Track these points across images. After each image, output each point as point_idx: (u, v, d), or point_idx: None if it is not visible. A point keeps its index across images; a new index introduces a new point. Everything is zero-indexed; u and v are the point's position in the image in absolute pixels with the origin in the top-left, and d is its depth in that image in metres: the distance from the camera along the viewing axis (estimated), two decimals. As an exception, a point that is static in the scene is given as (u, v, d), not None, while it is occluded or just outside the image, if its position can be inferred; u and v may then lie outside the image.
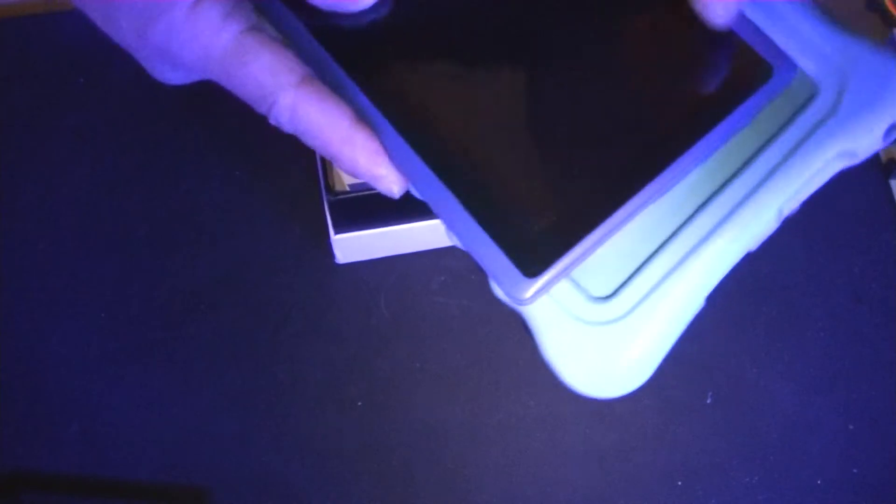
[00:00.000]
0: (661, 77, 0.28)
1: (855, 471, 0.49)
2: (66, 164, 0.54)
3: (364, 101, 0.29)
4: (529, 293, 0.27)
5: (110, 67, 0.57)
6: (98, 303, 0.51)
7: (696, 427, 0.49)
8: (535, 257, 0.27)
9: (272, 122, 0.31)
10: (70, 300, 0.51)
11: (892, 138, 0.29)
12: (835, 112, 0.29)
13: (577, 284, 0.29)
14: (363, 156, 0.30)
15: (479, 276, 0.52)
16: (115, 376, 0.49)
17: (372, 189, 0.45)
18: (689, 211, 0.30)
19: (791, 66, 0.29)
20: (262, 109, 0.31)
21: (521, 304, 0.28)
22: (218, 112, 0.55)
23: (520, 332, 0.51)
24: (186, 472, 0.47)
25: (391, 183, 0.30)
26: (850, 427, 0.50)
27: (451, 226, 0.27)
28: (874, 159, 0.56)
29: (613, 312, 0.28)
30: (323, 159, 0.47)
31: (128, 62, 0.57)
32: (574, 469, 0.48)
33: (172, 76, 0.32)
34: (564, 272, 0.27)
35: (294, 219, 0.53)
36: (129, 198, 0.54)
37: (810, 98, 0.30)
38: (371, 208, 0.47)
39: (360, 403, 0.49)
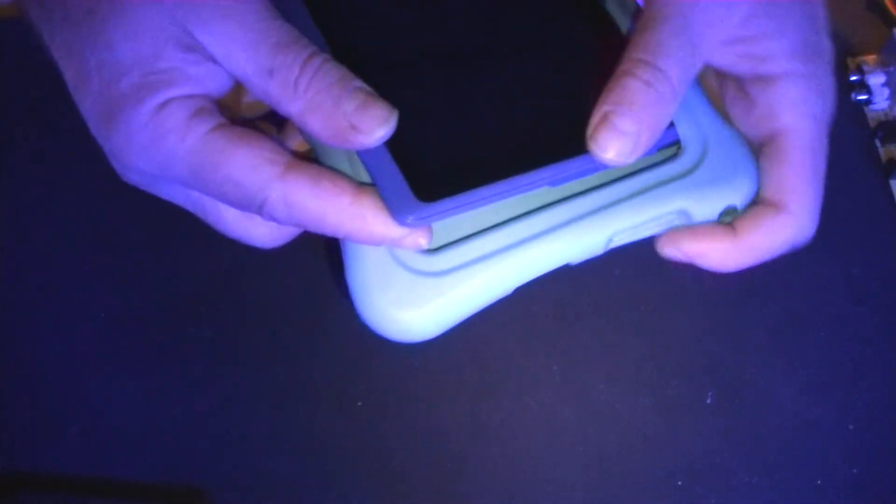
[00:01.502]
0: (570, 88, 0.31)
1: (855, 471, 0.49)
2: (66, 164, 0.54)
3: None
4: (413, 216, 0.29)
5: (110, 67, 0.57)
6: (98, 303, 0.51)
7: (696, 427, 0.49)
8: (430, 189, 0.29)
9: (266, 219, 0.28)
10: (70, 300, 0.51)
11: (725, 220, 0.33)
12: (688, 175, 0.32)
13: None
14: (378, 226, 0.28)
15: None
16: (115, 376, 0.49)
17: None
18: (533, 206, 0.32)
19: (673, 133, 0.32)
20: (252, 210, 0.28)
21: (403, 224, 0.29)
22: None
23: (520, 332, 0.51)
24: (186, 472, 0.47)
25: (415, 239, 0.29)
26: (850, 427, 0.50)
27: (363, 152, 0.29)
28: (874, 159, 0.56)
29: (431, 266, 0.30)
30: None
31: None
32: (574, 469, 0.48)
33: (132, 179, 0.30)
34: (448, 211, 0.29)
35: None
36: (129, 198, 0.53)
37: (674, 155, 0.33)
38: None
39: (360, 403, 0.49)
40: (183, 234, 0.53)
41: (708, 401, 0.50)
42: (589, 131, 0.28)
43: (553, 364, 0.50)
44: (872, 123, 0.57)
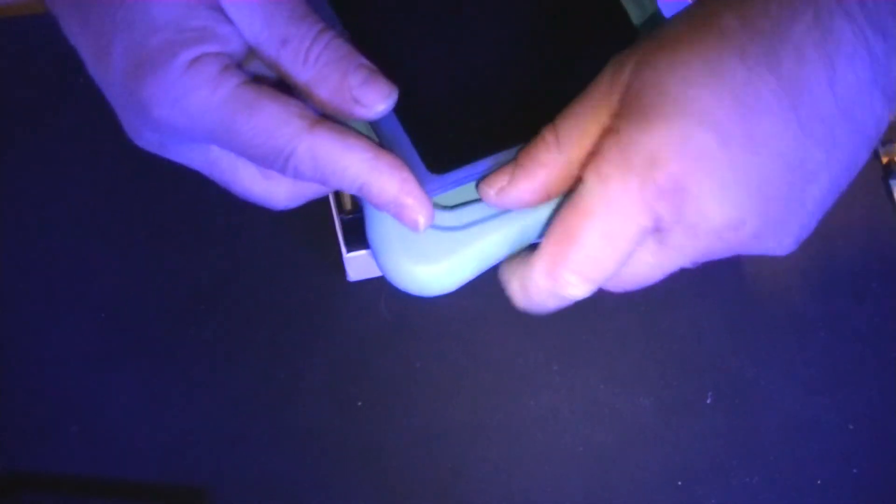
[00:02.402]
0: (573, 69, 0.32)
1: (855, 471, 0.49)
2: (66, 164, 0.54)
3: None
4: (426, 187, 0.31)
5: (110, 67, 0.57)
6: (98, 303, 0.51)
7: (696, 427, 0.49)
8: (440, 162, 0.31)
9: (289, 174, 0.29)
10: (70, 300, 0.51)
11: None
12: None
13: None
14: (393, 184, 0.30)
15: (478, 276, 0.52)
16: (115, 376, 0.49)
17: None
18: None
19: None
20: (276, 165, 0.29)
21: None
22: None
23: (520, 332, 0.51)
24: (186, 472, 0.47)
25: (417, 213, 0.30)
26: (850, 427, 0.50)
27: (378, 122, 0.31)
28: (874, 160, 0.56)
29: (449, 221, 0.32)
30: None
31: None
32: (574, 469, 0.48)
33: (149, 139, 0.30)
34: (456, 181, 0.32)
35: (294, 219, 0.53)
36: (129, 198, 0.54)
37: None
38: None
39: (360, 403, 0.49)
40: (183, 234, 0.53)
41: (708, 401, 0.50)
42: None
43: (553, 364, 0.50)
44: (872, 123, 0.57)
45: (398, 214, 0.31)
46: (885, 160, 0.56)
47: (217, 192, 0.54)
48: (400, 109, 0.30)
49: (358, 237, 0.48)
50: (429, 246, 0.32)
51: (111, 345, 0.50)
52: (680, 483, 0.48)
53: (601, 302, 0.52)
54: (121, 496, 0.47)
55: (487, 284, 0.52)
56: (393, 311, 0.51)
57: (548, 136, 0.30)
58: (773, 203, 0.28)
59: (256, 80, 0.29)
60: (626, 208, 0.28)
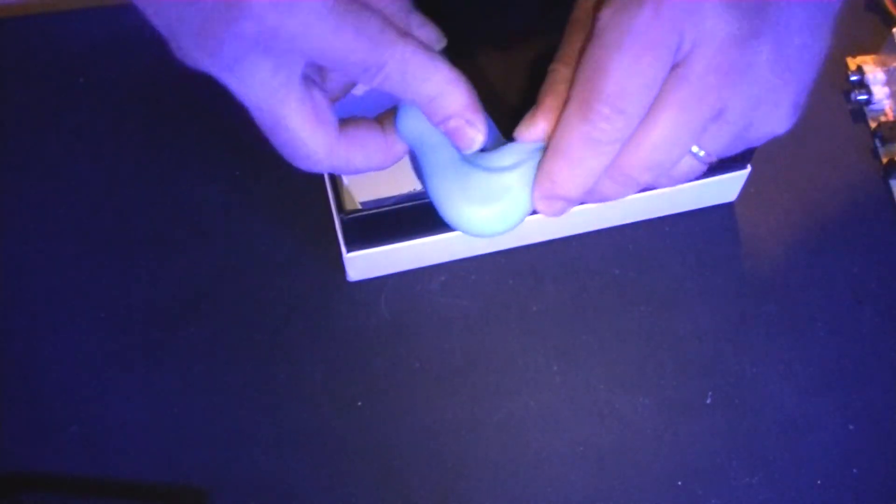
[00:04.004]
0: None
1: (855, 471, 0.49)
2: (66, 164, 0.54)
3: None
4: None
5: (110, 67, 0.57)
6: (98, 303, 0.51)
7: (696, 427, 0.49)
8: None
9: (376, 83, 0.31)
10: (70, 300, 0.51)
11: None
12: None
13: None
14: (462, 99, 0.32)
15: (479, 276, 0.52)
16: (114, 376, 0.49)
17: (384, 206, 0.45)
18: None
19: None
20: (369, 73, 0.30)
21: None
22: (218, 112, 0.54)
23: (520, 332, 0.51)
24: (186, 472, 0.47)
25: (477, 131, 0.33)
26: (850, 427, 0.50)
27: None
28: (874, 159, 0.56)
29: (498, 163, 0.35)
30: (332, 176, 0.47)
31: (128, 62, 0.57)
32: (574, 469, 0.48)
33: (207, 63, 0.30)
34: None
35: (294, 218, 0.53)
36: (129, 198, 0.54)
37: None
38: (384, 225, 0.47)
39: (360, 403, 0.49)
40: (183, 234, 0.53)
41: (708, 401, 0.50)
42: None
43: (553, 364, 0.50)
44: (872, 123, 0.57)
45: (458, 130, 0.33)
46: (885, 160, 0.56)
47: (217, 192, 0.54)
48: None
49: (358, 237, 0.48)
50: (485, 188, 0.34)
51: (111, 345, 0.50)
52: (680, 483, 0.48)
53: (601, 302, 0.52)
54: (121, 496, 0.47)
55: (487, 284, 0.52)
56: (393, 311, 0.51)
57: (550, 66, 0.33)
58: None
59: None
60: (646, 32, 0.29)
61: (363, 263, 0.50)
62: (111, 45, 0.57)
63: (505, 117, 0.35)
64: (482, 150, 0.34)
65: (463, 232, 0.35)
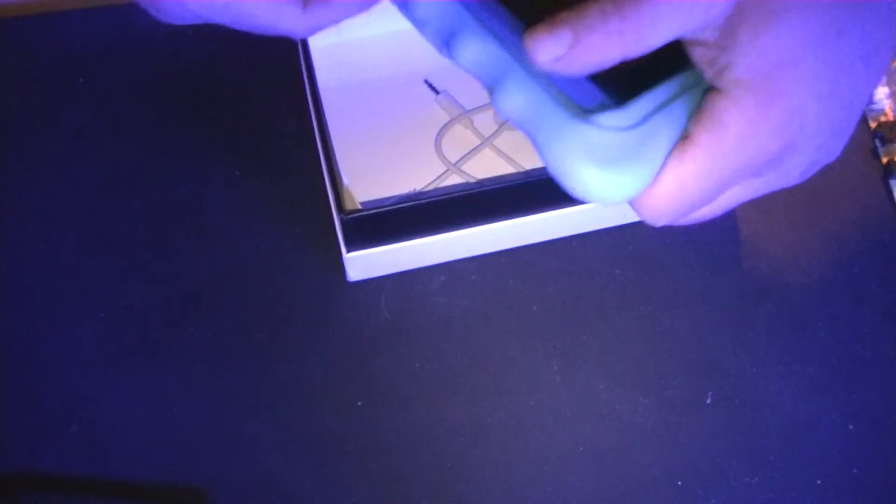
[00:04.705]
0: None
1: (855, 471, 0.49)
2: (66, 164, 0.54)
3: None
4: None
5: (110, 67, 0.57)
6: (98, 303, 0.51)
7: (696, 427, 0.49)
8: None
9: None
10: (70, 300, 0.51)
11: None
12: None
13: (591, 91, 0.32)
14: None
15: (478, 275, 0.52)
16: (115, 376, 0.49)
17: (384, 206, 0.45)
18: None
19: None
20: None
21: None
22: (218, 112, 0.55)
23: (520, 332, 0.51)
24: (186, 472, 0.47)
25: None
26: (850, 427, 0.50)
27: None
28: (874, 159, 0.56)
29: (622, 121, 0.31)
30: (332, 177, 0.47)
31: (128, 62, 0.57)
32: (574, 469, 0.48)
33: (184, 15, 0.30)
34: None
35: (294, 219, 0.53)
36: (129, 198, 0.54)
37: None
38: (384, 225, 0.48)
39: (360, 403, 0.49)
40: (183, 233, 0.53)
41: (708, 401, 0.50)
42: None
43: (553, 364, 0.50)
44: (872, 123, 0.57)
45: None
46: (885, 160, 0.56)
47: (217, 192, 0.54)
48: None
49: (358, 237, 0.48)
50: (610, 149, 0.31)
51: (111, 345, 0.50)
52: (680, 483, 0.48)
53: (601, 302, 0.52)
54: (121, 496, 0.47)
55: (487, 284, 0.52)
56: (393, 311, 0.51)
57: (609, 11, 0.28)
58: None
59: None
60: None
61: (363, 263, 0.50)
62: (111, 45, 0.57)
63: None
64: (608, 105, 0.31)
65: (591, 199, 0.32)
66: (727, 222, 0.54)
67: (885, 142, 0.56)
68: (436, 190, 0.52)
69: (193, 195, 0.54)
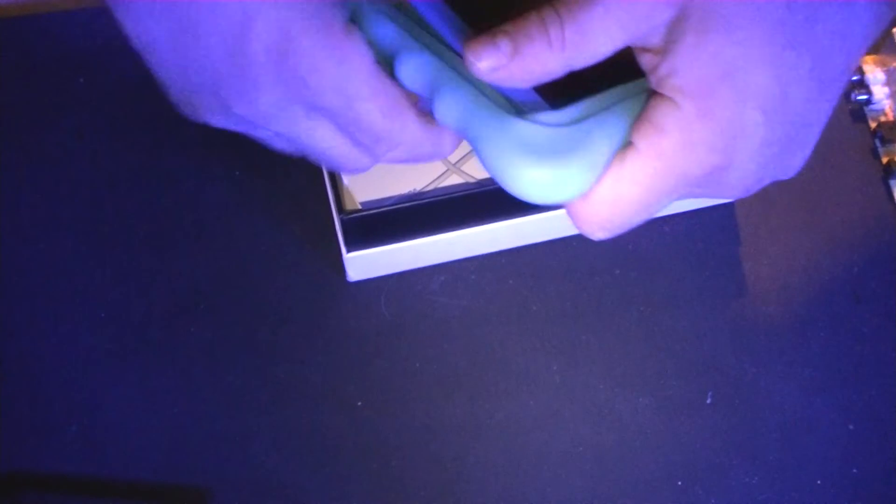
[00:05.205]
0: None
1: (855, 471, 0.49)
2: (66, 164, 0.54)
3: None
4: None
5: (110, 67, 0.57)
6: (98, 303, 0.51)
7: (696, 427, 0.49)
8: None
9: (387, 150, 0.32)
10: (70, 300, 0.51)
11: None
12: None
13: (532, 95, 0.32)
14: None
15: (478, 275, 0.52)
16: (115, 376, 0.49)
17: (384, 206, 0.45)
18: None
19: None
20: (381, 144, 0.32)
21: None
22: (218, 112, 0.55)
23: (520, 332, 0.51)
24: (186, 472, 0.47)
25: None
26: (850, 427, 0.50)
27: None
28: (874, 159, 0.56)
29: (558, 119, 0.31)
30: (332, 177, 0.47)
31: (128, 62, 0.57)
32: (574, 469, 0.48)
33: (220, 120, 0.31)
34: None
35: (294, 219, 0.53)
36: (129, 197, 0.54)
37: None
38: (384, 225, 0.48)
39: (359, 403, 0.49)
40: (183, 233, 0.53)
41: (708, 401, 0.50)
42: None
43: (553, 364, 0.50)
44: (872, 123, 0.57)
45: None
46: (885, 160, 0.56)
47: (217, 192, 0.54)
48: None
49: (358, 237, 0.48)
50: (544, 144, 0.31)
51: (111, 345, 0.50)
52: (680, 483, 0.48)
53: (601, 302, 0.52)
54: (121, 496, 0.47)
55: (487, 284, 0.52)
56: (393, 311, 0.51)
57: (552, 33, 0.28)
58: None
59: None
60: None
61: (363, 263, 0.50)
62: (111, 45, 0.57)
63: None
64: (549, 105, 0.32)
65: (532, 200, 0.32)
66: (727, 222, 0.54)
67: (885, 142, 0.56)
68: (436, 190, 0.52)
69: (193, 195, 0.54)
